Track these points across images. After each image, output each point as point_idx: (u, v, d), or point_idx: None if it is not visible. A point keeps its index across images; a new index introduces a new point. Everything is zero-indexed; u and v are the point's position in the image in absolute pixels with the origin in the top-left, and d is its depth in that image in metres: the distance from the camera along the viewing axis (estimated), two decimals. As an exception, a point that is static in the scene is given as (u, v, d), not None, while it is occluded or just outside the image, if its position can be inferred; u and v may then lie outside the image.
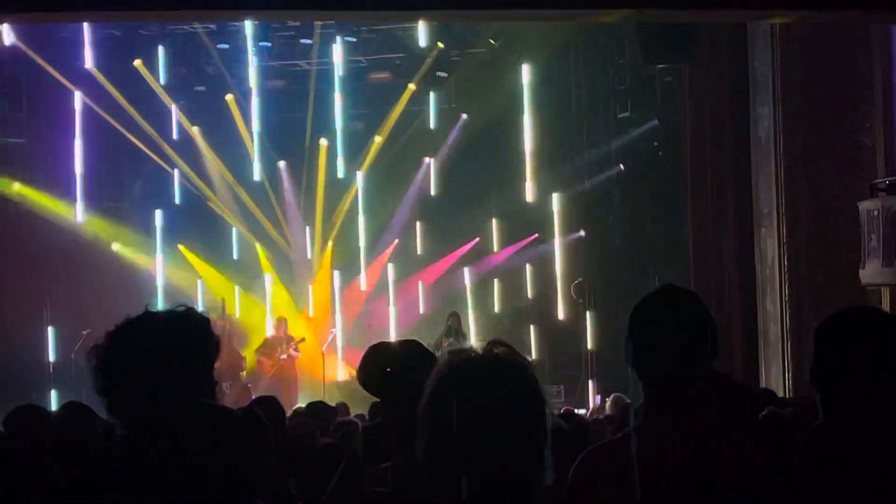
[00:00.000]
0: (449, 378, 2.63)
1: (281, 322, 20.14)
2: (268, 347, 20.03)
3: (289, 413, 12.93)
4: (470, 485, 2.57)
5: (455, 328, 19.46)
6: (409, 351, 4.30)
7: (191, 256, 21.59)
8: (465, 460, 2.57)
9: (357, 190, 21.82)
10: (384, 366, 4.26)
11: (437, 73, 21.63)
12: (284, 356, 19.71)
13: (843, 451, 3.26)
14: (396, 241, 21.90)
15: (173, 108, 21.27)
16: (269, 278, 21.81)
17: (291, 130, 21.85)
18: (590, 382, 19.41)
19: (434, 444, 2.61)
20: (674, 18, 13.77)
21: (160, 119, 21.28)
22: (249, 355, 20.42)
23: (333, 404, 14.70)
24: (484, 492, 2.57)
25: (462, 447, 2.57)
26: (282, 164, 21.84)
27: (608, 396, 14.45)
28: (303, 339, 20.10)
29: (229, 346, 19.97)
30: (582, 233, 21.05)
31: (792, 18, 14.17)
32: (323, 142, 21.65)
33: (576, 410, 14.84)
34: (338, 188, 21.97)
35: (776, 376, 16.62)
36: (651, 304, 3.61)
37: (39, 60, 19.99)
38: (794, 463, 3.36)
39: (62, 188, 20.78)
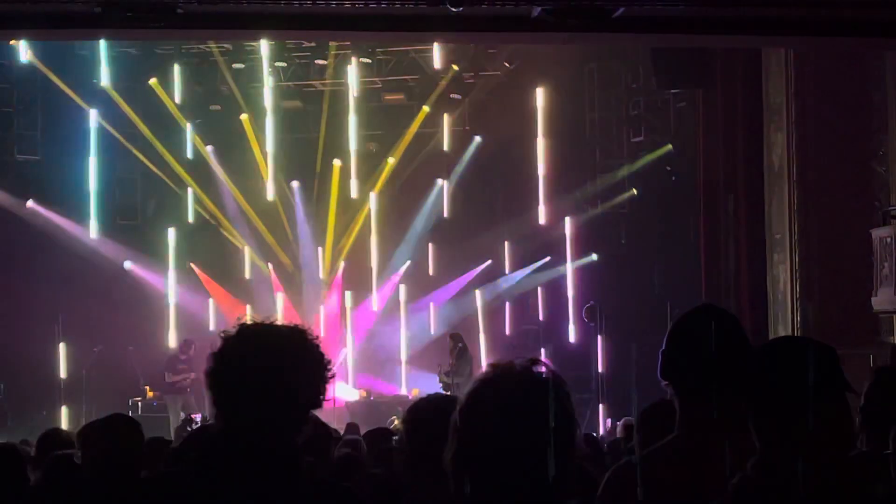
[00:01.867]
0: (484, 389, 2.65)
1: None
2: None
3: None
4: (492, 493, 2.58)
5: (457, 348, 19.48)
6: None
7: (203, 275, 21.62)
8: (490, 471, 2.59)
9: (370, 211, 21.84)
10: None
11: (451, 96, 21.67)
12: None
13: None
14: (409, 262, 21.90)
15: (188, 127, 21.33)
16: (279, 297, 21.84)
17: (305, 151, 21.90)
18: (600, 406, 19.36)
19: (462, 452, 2.62)
20: (681, 43, 13.79)
21: (175, 137, 21.36)
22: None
23: (342, 425, 14.83)
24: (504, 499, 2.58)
25: (488, 458, 2.59)
26: (295, 184, 21.88)
27: (619, 420, 14.43)
28: None
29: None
30: (594, 256, 21.04)
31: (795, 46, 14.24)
32: (336, 162, 21.70)
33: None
34: (350, 209, 22.01)
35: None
36: (695, 320, 3.61)
37: (55, 79, 20.10)
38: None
39: (76, 206, 20.85)
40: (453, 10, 9.23)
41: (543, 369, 2.68)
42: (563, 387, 2.68)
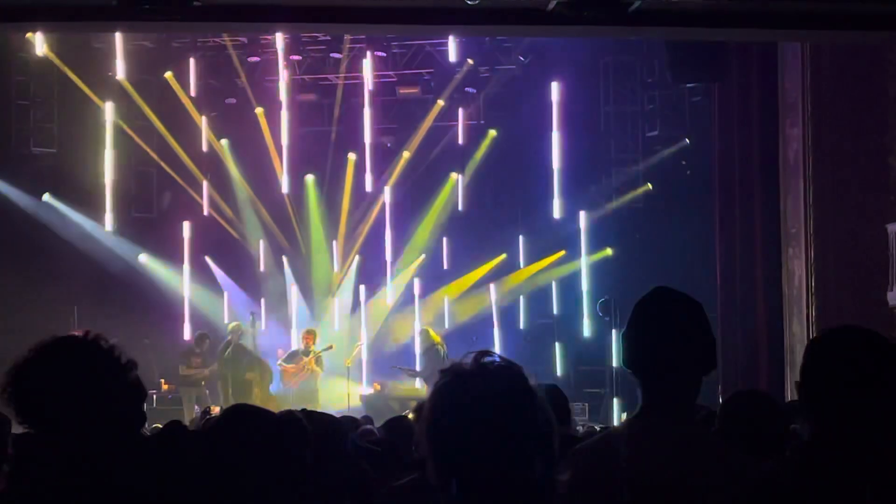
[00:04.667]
0: (441, 394, 2.64)
1: (309, 333, 20.21)
2: (293, 360, 20.10)
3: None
4: (470, 490, 2.57)
5: (427, 345, 19.56)
6: None
7: (217, 268, 21.66)
8: (464, 470, 2.57)
9: (384, 204, 21.85)
10: None
11: (466, 89, 21.67)
12: (308, 369, 19.80)
13: (830, 468, 3.25)
14: (423, 255, 21.91)
15: (203, 121, 21.37)
16: (294, 290, 21.87)
17: (319, 144, 21.92)
18: (614, 400, 19.37)
19: (439, 460, 2.62)
20: (697, 36, 13.77)
21: (190, 131, 21.40)
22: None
23: (358, 415, 14.83)
24: (486, 498, 2.57)
25: (460, 458, 2.58)
26: (309, 177, 21.90)
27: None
28: (330, 347, 20.13)
29: (259, 359, 20.11)
30: (609, 250, 21.01)
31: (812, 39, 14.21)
32: (351, 156, 21.71)
33: (598, 428, 14.87)
34: (364, 202, 22.02)
35: (802, 398, 16.52)
36: (648, 304, 3.62)
37: (69, 73, 20.14)
38: (784, 478, 3.36)
39: (92, 199, 20.89)
40: (470, 3, 9.23)
41: (489, 359, 2.67)
42: (514, 370, 2.67)
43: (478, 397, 2.59)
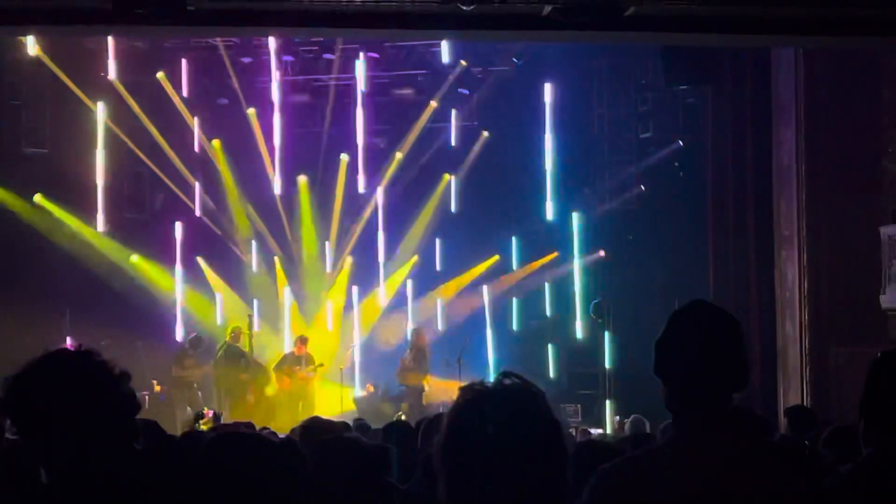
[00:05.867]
0: (463, 414, 2.63)
1: (302, 340, 20.20)
2: (286, 364, 20.08)
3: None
4: None
5: (415, 345, 19.63)
6: None
7: (209, 270, 21.61)
8: (485, 492, 2.56)
9: (377, 205, 21.82)
10: None
11: (460, 90, 21.65)
12: (301, 377, 19.82)
13: (884, 486, 3.24)
14: (416, 257, 21.89)
15: (195, 121, 21.31)
16: (287, 292, 21.84)
17: (312, 145, 21.88)
18: (607, 402, 19.35)
19: (453, 479, 2.60)
20: (692, 42, 13.77)
21: (182, 131, 21.35)
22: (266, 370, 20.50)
23: (351, 419, 14.83)
24: None
25: (481, 480, 2.56)
26: (301, 178, 21.86)
27: (626, 417, 14.42)
28: (321, 365, 20.14)
29: (254, 361, 20.10)
30: (602, 252, 21.01)
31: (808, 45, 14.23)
32: (343, 157, 21.68)
33: (591, 430, 14.88)
34: (356, 203, 21.99)
35: (794, 399, 16.56)
36: (686, 316, 3.59)
37: (61, 75, 20.08)
38: (833, 494, 3.34)
39: (84, 199, 20.83)
40: (465, 8, 9.21)
41: (513, 381, 2.66)
42: (537, 395, 2.67)
43: (497, 420, 2.59)
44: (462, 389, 2.68)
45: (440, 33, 14.19)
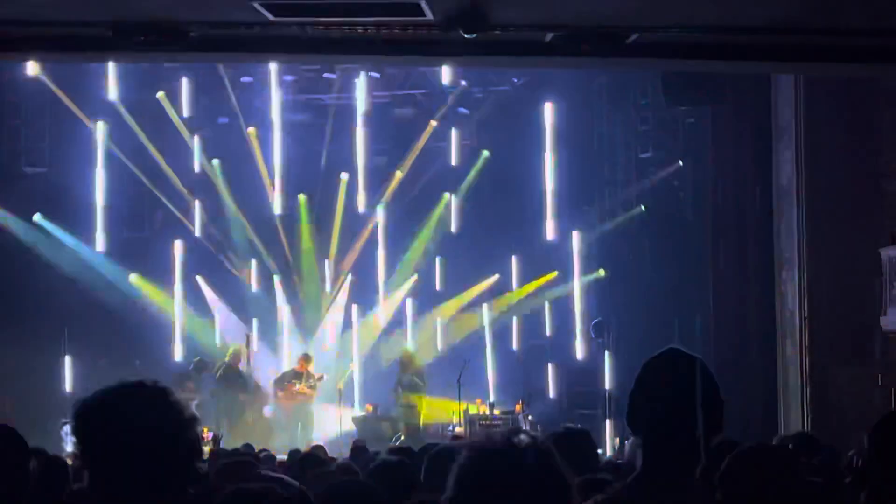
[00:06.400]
0: (467, 469, 2.61)
1: (305, 358, 20.19)
2: (286, 381, 20.07)
3: (305, 447, 13.01)
4: None
5: (408, 366, 19.63)
6: None
7: (208, 289, 21.58)
8: None
9: (376, 224, 21.81)
10: None
11: (460, 110, 21.67)
12: (300, 391, 19.80)
13: None
14: (415, 276, 21.86)
15: (195, 140, 21.31)
16: (286, 311, 21.81)
17: (312, 164, 21.87)
18: (607, 422, 19.31)
19: None
20: (694, 68, 13.78)
21: (182, 150, 21.35)
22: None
23: (350, 439, 14.79)
24: None
25: None
26: (301, 197, 21.85)
27: (627, 439, 14.39)
28: (322, 377, 20.15)
29: (253, 382, 20.09)
30: (602, 272, 20.98)
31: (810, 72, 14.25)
32: (343, 176, 21.67)
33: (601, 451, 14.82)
34: (356, 222, 21.97)
35: (795, 420, 16.55)
36: (654, 366, 3.58)
37: (61, 95, 20.11)
38: None
39: (83, 218, 20.83)
40: (467, 36, 9.20)
41: (523, 439, 2.64)
42: (547, 454, 2.64)
43: (505, 479, 2.56)
44: (470, 447, 2.65)
45: (441, 60, 14.19)
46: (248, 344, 20.25)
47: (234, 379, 19.64)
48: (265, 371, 20.93)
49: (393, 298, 22.00)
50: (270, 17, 8.96)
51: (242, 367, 20.02)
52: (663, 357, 3.60)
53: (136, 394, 3.21)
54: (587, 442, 5.95)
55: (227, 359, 19.92)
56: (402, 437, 19.14)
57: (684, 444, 3.52)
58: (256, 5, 8.68)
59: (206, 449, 12.52)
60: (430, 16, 8.93)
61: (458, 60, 12.72)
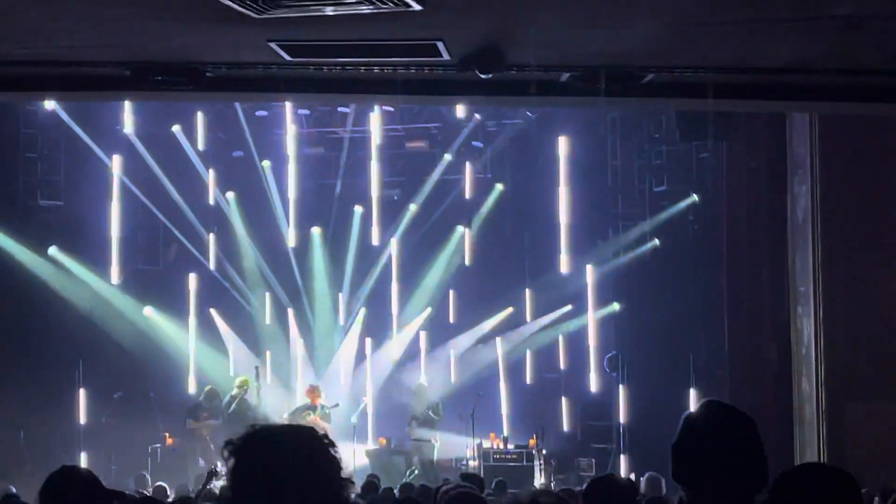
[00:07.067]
0: None
1: (312, 391, 20.17)
2: (299, 413, 20.04)
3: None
4: None
5: (420, 400, 19.65)
6: None
7: (222, 322, 21.60)
8: None
9: (390, 256, 21.84)
10: None
11: (474, 143, 21.72)
12: (314, 422, 19.75)
13: None
14: (429, 309, 21.86)
15: (210, 174, 21.39)
16: (299, 344, 21.82)
17: (326, 197, 21.94)
18: (622, 456, 19.27)
19: None
20: (709, 107, 13.78)
21: (197, 184, 21.43)
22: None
23: (364, 474, 14.77)
24: None
25: None
26: (315, 230, 21.89)
27: (642, 474, 14.35)
28: (336, 405, 20.15)
29: (263, 414, 20.04)
30: (616, 306, 20.94)
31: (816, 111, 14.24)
32: (357, 209, 21.73)
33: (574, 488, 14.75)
34: (370, 255, 22.00)
35: (811, 456, 16.46)
36: (699, 418, 3.55)
37: (77, 128, 20.23)
38: None
39: (98, 251, 20.90)
40: (482, 76, 9.23)
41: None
42: None
43: None
44: None
45: (458, 99, 14.23)
46: (257, 377, 20.25)
47: (245, 412, 19.63)
48: (278, 404, 20.91)
49: (406, 331, 21.98)
50: (288, 57, 9.00)
51: (251, 398, 20.00)
52: (707, 412, 3.58)
53: (295, 435, 3.16)
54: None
55: (234, 391, 19.93)
56: (416, 471, 19.12)
57: (728, 497, 3.48)
58: (274, 46, 8.71)
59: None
60: (446, 56, 8.96)
61: (474, 99, 12.77)
